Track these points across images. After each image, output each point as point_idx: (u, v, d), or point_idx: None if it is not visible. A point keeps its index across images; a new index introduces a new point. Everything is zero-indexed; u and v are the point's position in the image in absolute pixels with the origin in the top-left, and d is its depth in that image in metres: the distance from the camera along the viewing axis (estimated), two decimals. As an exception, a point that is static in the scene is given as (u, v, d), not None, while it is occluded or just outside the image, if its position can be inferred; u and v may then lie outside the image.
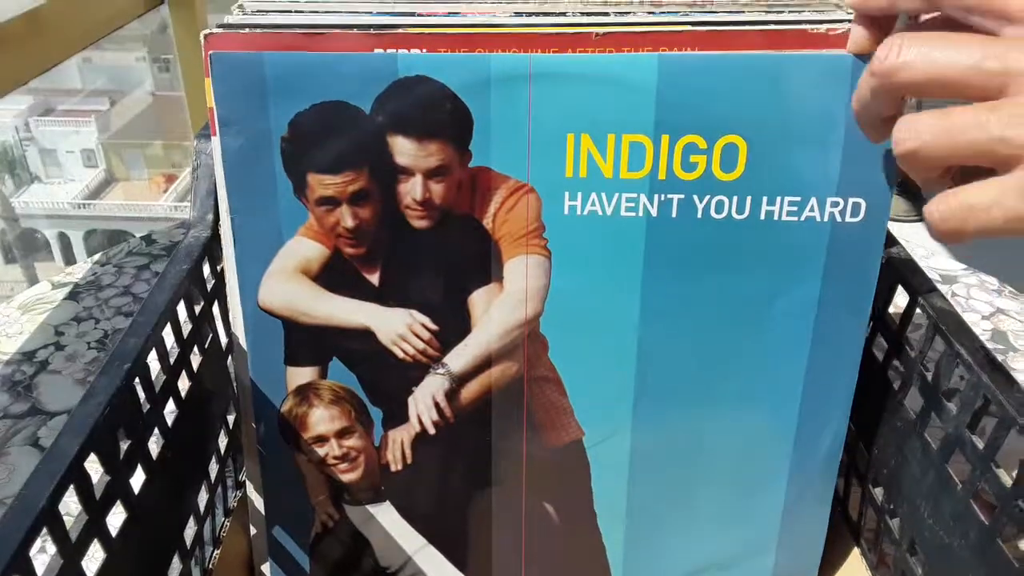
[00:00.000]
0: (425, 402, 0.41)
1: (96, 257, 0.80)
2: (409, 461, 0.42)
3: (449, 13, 0.37)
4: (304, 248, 0.39)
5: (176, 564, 0.37)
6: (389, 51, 0.35)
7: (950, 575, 0.35)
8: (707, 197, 0.37)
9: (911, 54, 0.25)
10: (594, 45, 0.35)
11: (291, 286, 0.39)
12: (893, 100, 0.28)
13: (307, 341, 0.40)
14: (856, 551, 0.44)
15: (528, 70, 0.35)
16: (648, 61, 0.34)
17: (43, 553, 0.41)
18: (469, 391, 0.41)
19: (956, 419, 0.34)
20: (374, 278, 0.39)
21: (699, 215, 0.37)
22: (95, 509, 0.30)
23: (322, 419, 0.41)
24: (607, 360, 0.40)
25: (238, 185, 0.38)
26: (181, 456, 0.38)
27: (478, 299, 0.39)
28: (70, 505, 0.28)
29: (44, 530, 0.27)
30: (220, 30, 0.36)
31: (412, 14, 0.37)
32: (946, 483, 0.35)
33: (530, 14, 0.37)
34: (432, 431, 0.41)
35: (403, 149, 0.36)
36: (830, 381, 0.40)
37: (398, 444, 0.42)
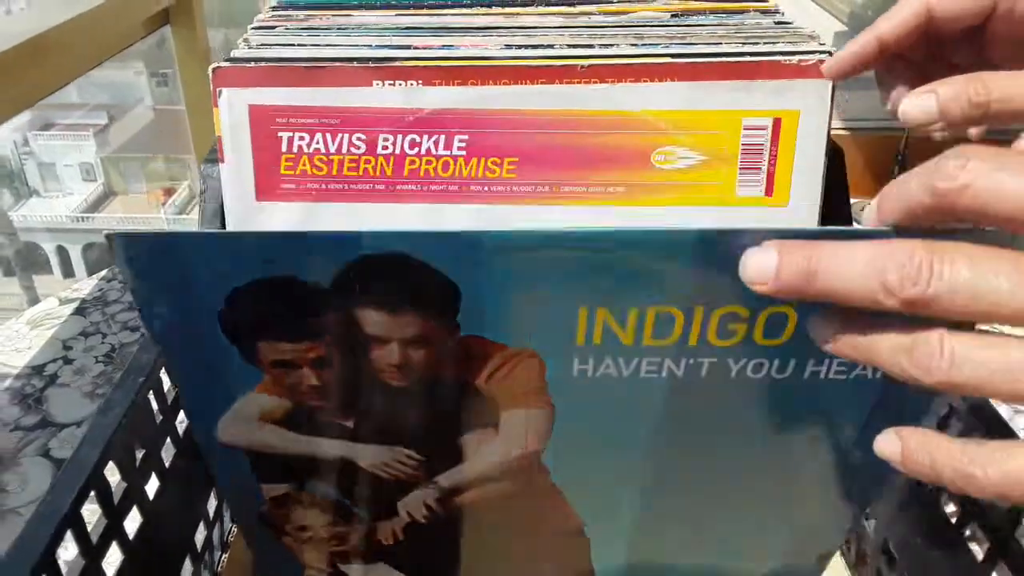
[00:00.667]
0: (414, 505, 0.38)
1: (102, 273, 0.83)
2: (401, 538, 0.40)
3: (443, 46, 0.39)
4: (264, 401, 0.33)
5: (188, 567, 0.39)
6: (351, 231, 0.27)
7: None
8: (743, 360, 0.31)
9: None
10: (579, 76, 0.37)
11: (255, 434, 0.34)
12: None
13: (280, 467, 0.36)
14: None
15: (525, 243, 0.28)
16: (682, 238, 0.27)
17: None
18: (463, 499, 0.38)
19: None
20: (348, 423, 0.34)
21: (733, 375, 0.31)
22: (114, 514, 0.32)
23: (304, 517, 0.39)
24: (614, 481, 0.37)
25: (178, 357, 0.32)
26: (192, 463, 0.41)
27: (470, 440, 0.35)
28: (88, 511, 0.30)
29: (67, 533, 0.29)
30: (227, 64, 0.38)
31: (408, 47, 0.39)
32: (915, 484, 0.37)
33: (519, 47, 0.39)
34: (424, 523, 0.39)
35: (373, 320, 0.30)
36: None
37: (388, 530, 0.40)
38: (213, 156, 0.43)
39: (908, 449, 0.22)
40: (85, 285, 0.80)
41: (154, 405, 0.37)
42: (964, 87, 0.25)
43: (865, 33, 0.34)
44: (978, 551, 0.33)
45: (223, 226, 0.44)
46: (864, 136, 1.20)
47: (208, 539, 0.42)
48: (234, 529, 0.46)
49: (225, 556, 0.44)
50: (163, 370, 0.37)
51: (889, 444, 0.23)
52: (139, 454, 0.35)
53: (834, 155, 0.42)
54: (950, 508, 0.35)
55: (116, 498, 0.33)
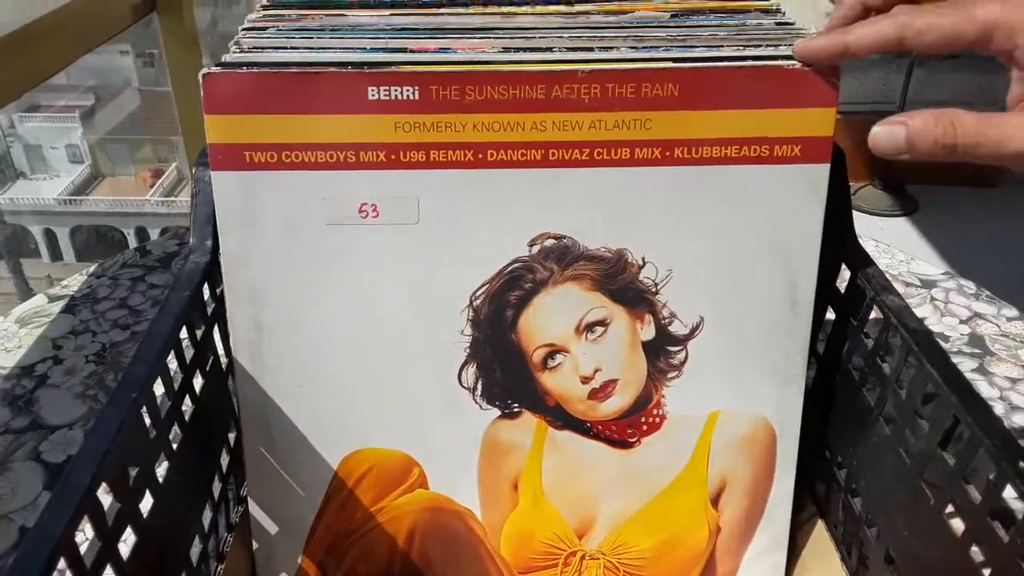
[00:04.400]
0: None
1: (91, 269, 0.81)
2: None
3: (440, 49, 0.38)
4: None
5: (183, 582, 0.39)
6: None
7: (901, 547, 0.37)
8: None
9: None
10: (579, 82, 0.36)
11: None
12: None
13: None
14: (837, 559, 0.45)
15: None
16: None
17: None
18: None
19: (927, 437, 0.36)
20: None
21: None
22: (107, 536, 0.32)
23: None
24: None
25: None
26: (186, 478, 0.40)
27: None
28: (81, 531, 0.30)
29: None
30: (217, 69, 0.37)
31: (404, 50, 0.38)
32: (919, 497, 0.37)
33: (518, 50, 0.38)
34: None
35: None
36: None
37: None
38: (204, 159, 0.42)
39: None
40: (74, 281, 0.79)
41: (147, 420, 0.36)
42: (933, 126, 0.27)
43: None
44: (984, 568, 0.33)
45: (215, 232, 0.43)
46: (854, 120, 1.20)
47: (204, 552, 0.41)
48: (230, 539, 0.46)
49: (221, 567, 0.44)
50: (157, 381, 0.36)
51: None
52: (132, 472, 0.34)
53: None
54: (955, 523, 0.35)
55: (110, 519, 0.32)
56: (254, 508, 0.46)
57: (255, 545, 0.46)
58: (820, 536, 0.47)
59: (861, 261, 0.44)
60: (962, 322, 0.71)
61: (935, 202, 2.20)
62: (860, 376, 0.43)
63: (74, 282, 0.79)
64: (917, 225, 2.11)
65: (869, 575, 0.42)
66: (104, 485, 0.32)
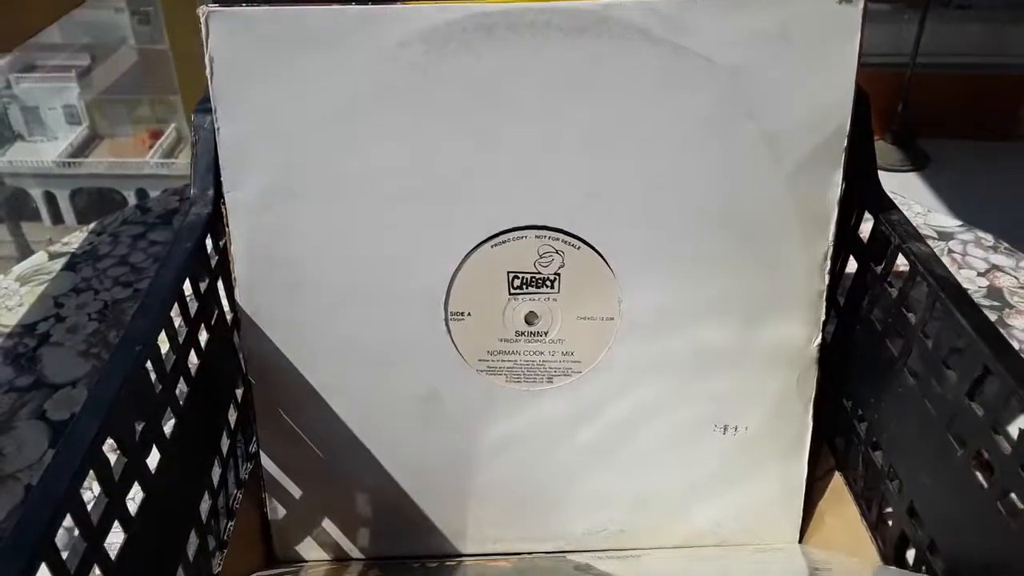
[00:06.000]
0: None
1: (91, 226, 0.80)
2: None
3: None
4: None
5: (193, 539, 0.38)
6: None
7: (949, 538, 0.36)
8: None
9: None
10: None
11: None
12: None
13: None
14: (856, 513, 0.45)
15: None
16: None
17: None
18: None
19: (955, 388, 0.35)
20: None
21: None
22: (114, 492, 0.31)
23: None
24: None
25: None
26: (193, 433, 0.39)
27: None
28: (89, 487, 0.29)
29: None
30: (217, 6, 0.35)
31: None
32: (946, 450, 0.36)
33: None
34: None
35: None
36: None
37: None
38: (205, 105, 0.40)
39: None
40: (74, 239, 0.78)
41: (153, 374, 0.35)
42: None
43: None
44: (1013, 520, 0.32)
45: (218, 181, 0.41)
46: (868, 71, 1.17)
47: (214, 508, 0.41)
48: (240, 496, 0.45)
49: (231, 524, 0.43)
50: (160, 337, 0.35)
51: None
52: (139, 427, 0.33)
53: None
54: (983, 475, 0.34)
55: (116, 474, 0.31)
56: (267, 462, 0.45)
57: (267, 501, 0.45)
58: (838, 490, 0.46)
59: (884, 206, 0.42)
60: (980, 275, 0.70)
61: (947, 156, 2.16)
62: (883, 327, 0.41)
63: (74, 239, 0.78)
64: (928, 180, 2.08)
65: (890, 529, 0.41)
66: (110, 441, 0.31)
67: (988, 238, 0.75)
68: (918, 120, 2.12)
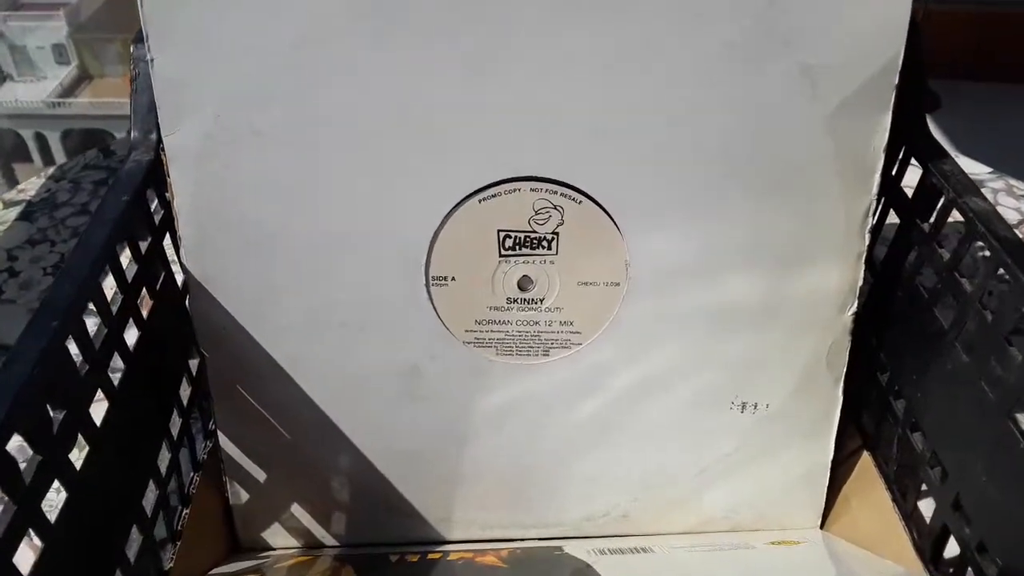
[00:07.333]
0: None
1: (50, 172, 0.74)
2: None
3: None
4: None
5: (135, 536, 0.33)
6: None
7: (1004, 541, 0.31)
8: None
9: None
10: None
11: None
12: None
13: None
14: (886, 498, 0.40)
15: None
16: None
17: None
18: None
19: (1020, 369, 0.30)
20: None
21: None
22: (24, 498, 0.26)
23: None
24: None
25: None
26: (133, 417, 0.34)
27: None
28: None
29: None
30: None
31: None
32: (1005, 439, 0.31)
33: None
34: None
35: None
36: None
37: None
38: (142, 36, 0.34)
39: None
40: (31, 185, 0.72)
41: (77, 354, 0.30)
42: None
43: None
44: None
45: (157, 120, 0.35)
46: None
47: (162, 496, 0.36)
48: (197, 480, 0.40)
49: (186, 511, 0.39)
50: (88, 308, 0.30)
51: None
52: (57, 416, 0.28)
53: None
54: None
55: (28, 476, 0.26)
56: (225, 443, 0.40)
57: (228, 484, 0.40)
58: (866, 472, 0.42)
59: (935, 154, 0.37)
60: (1013, 226, 0.64)
61: (959, 98, 2.08)
62: (930, 294, 0.36)
63: (31, 186, 0.71)
64: (939, 123, 2.00)
65: (930, 521, 0.36)
66: (17, 437, 0.26)
67: (1020, 186, 0.70)
68: (929, 60, 2.02)
